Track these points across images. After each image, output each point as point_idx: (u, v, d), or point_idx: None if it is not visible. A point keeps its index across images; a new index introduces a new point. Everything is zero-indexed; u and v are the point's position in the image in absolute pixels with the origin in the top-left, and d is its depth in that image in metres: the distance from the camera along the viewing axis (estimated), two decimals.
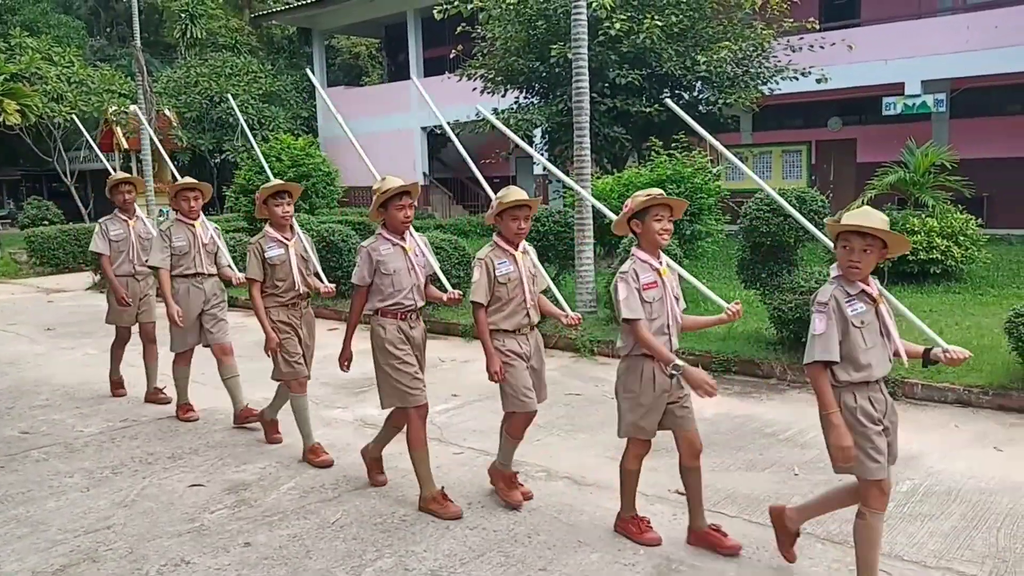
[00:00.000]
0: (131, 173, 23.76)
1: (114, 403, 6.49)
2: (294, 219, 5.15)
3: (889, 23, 17.53)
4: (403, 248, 4.28)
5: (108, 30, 35.16)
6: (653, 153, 11.12)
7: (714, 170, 10.76)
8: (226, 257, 6.04)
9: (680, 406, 3.67)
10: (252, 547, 3.81)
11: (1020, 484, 4.26)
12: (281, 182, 5.12)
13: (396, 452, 4.58)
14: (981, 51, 15.72)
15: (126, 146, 23.13)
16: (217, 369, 5.79)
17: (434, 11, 14.73)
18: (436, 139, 25.82)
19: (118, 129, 23.31)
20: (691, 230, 9.87)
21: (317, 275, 5.23)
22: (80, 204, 25.70)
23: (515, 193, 4.07)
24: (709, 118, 14.07)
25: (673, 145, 11.46)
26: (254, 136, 24.47)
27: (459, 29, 14.97)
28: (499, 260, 4.10)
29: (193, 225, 5.85)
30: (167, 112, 24.08)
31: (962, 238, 10.39)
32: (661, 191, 3.61)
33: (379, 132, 26.18)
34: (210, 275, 5.91)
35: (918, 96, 16.87)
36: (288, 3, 27.62)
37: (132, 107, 10.79)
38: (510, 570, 3.53)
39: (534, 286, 4.20)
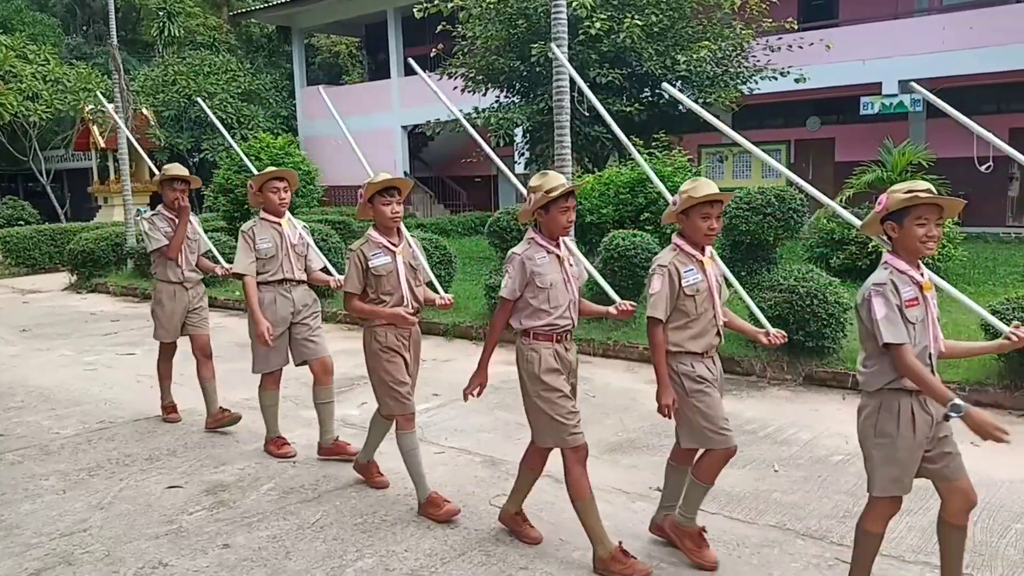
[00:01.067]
0: (108, 172, 23.63)
1: (90, 404, 6.41)
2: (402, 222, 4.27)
3: (867, 23, 17.70)
4: (558, 257, 3.59)
5: (84, 28, 34.76)
6: None
7: (694, 169, 10.81)
8: (320, 259, 5.26)
9: (942, 452, 2.96)
10: (231, 549, 3.77)
11: (996, 479, 4.30)
12: (391, 176, 4.20)
13: (381, 449, 4.55)
14: (957, 51, 15.92)
15: (103, 145, 22.89)
16: (312, 390, 5.04)
17: (414, 10, 14.70)
18: (417, 138, 25.77)
19: (95, 128, 23.07)
20: (671, 229, 9.91)
21: (430, 285, 4.40)
22: (56, 204, 25.41)
23: (704, 187, 3.40)
24: (689, 117, 14.11)
25: (653, 144, 11.51)
26: (232, 135, 24.37)
27: (439, 28, 14.95)
28: (686, 268, 3.43)
29: (279, 224, 4.99)
30: (145, 111, 23.85)
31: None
32: (929, 186, 2.89)
33: (360, 131, 26.01)
34: (300, 281, 5.06)
35: (895, 96, 17.05)
36: (267, 1, 27.45)
37: (108, 105, 10.61)
38: (491, 569, 3.52)
39: (721, 297, 3.58)
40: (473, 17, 14.35)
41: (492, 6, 13.82)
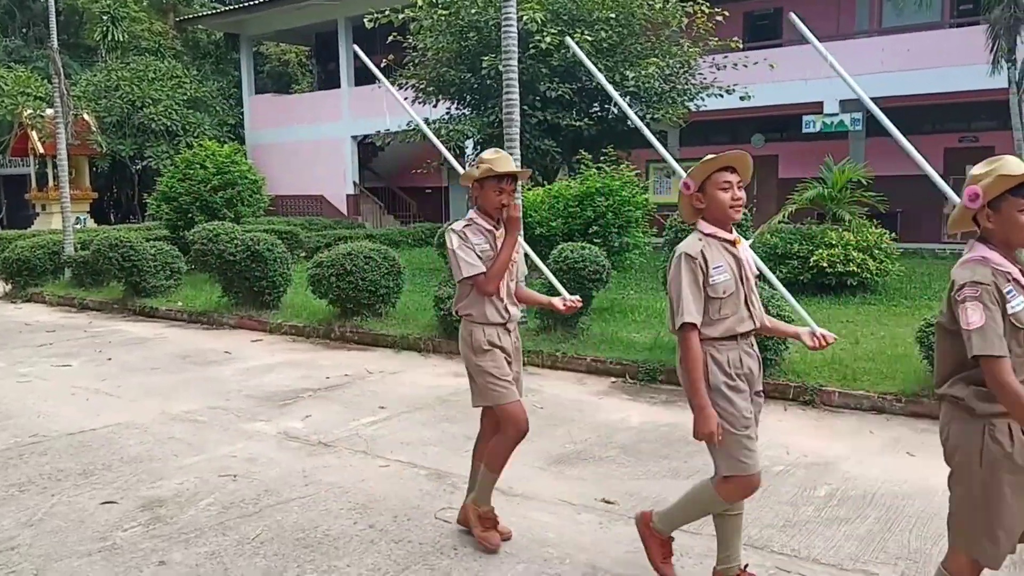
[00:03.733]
0: (47, 179, 22.95)
1: (23, 417, 6.18)
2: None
3: (808, 44, 18.14)
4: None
5: (24, 30, 33.77)
6: (583, 166, 11.25)
7: (642, 184, 10.95)
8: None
9: None
10: (167, 566, 3.66)
11: (931, 488, 4.41)
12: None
13: (319, 465, 4.48)
14: (895, 72, 16.45)
15: (42, 150, 22.24)
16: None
17: (365, 19, 14.63)
18: (367, 148, 25.62)
19: (33, 133, 22.41)
20: (619, 242, 10.01)
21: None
22: None
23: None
24: (637, 132, 14.30)
25: (602, 159, 11.62)
26: (177, 143, 24.00)
27: (391, 38, 14.91)
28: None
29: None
30: (86, 116, 23.25)
31: (877, 251, 10.80)
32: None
33: (309, 141, 25.90)
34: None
35: (836, 115, 17.53)
36: (215, 8, 27.04)
37: (48, 110, 10.32)
38: None
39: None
40: (424, 28, 14.35)
41: (443, 18, 13.85)
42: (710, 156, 3.02)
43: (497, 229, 3.69)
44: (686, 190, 3.10)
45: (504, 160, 3.63)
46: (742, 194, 3.05)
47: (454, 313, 3.82)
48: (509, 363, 3.72)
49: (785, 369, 6.59)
